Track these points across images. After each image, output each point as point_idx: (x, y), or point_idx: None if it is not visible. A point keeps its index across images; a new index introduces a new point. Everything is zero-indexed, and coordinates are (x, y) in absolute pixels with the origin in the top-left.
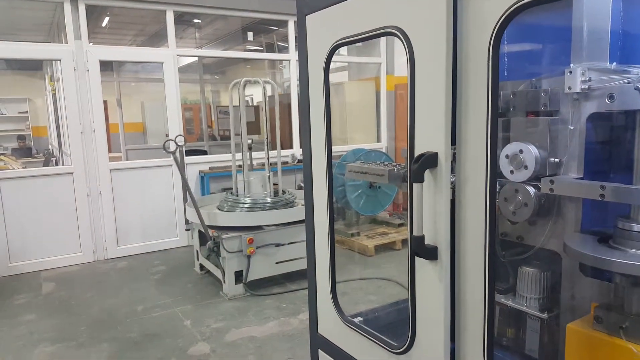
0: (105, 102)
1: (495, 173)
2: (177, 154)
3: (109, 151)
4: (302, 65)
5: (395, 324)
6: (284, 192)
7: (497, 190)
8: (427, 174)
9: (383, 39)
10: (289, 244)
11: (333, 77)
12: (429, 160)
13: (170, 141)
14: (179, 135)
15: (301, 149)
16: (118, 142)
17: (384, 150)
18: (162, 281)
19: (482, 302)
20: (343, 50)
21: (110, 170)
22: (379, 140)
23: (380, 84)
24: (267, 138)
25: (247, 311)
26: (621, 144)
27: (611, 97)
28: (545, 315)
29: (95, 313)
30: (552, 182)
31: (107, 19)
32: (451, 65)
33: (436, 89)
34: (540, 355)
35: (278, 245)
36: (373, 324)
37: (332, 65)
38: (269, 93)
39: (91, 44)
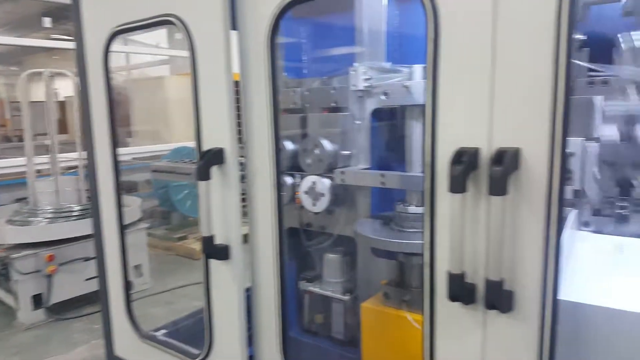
0: None
1: (279, 165)
2: None
3: None
4: (79, 55)
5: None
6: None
7: (298, 183)
8: (215, 170)
9: None
10: None
11: (152, 71)
12: (215, 157)
13: None
14: None
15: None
16: None
17: None
18: None
19: (274, 295)
20: (163, 41)
21: None
22: None
23: None
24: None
25: (50, 339)
26: (399, 136)
27: (385, 93)
28: (346, 297)
29: None
30: (342, 173)
31: None
32: (230, 58)
33: (218, 83)
34: (345, 336)
35: (88, 259)
36: (181, 335)
37: (151, 58)
38: (69, 87)
39: None
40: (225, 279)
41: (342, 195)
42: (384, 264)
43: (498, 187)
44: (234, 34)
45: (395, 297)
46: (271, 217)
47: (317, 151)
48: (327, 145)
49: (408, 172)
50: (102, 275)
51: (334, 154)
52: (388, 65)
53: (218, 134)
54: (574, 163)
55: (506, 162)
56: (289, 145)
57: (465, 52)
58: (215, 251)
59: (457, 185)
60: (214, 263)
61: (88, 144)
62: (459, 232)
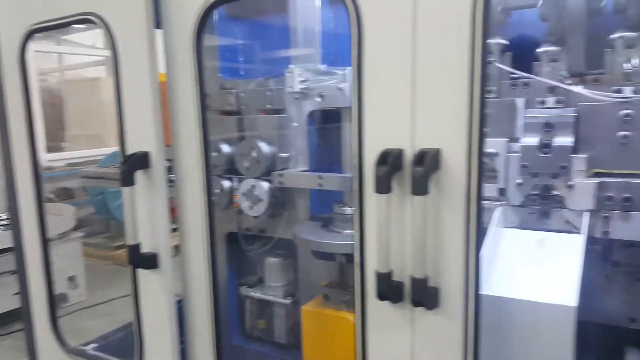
0: None
1: (209, 167)
2: None
3: None
4: None
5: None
6: None
7: (237, 186)
8: (140, 175)
9: None
10: None
11: (88, 72)
12: (140, 161)
13: None
14: None
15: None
16: None
17: None
18: None
19: (207, 304)
20: (99, 42)
21: None
22: None
23: None
24: None
25: None
26: (336, 138)
27: (321, 96)
28: (288, 301)
29: None
30: (281, 175)
31: None
32: (155, 58)
33: (142, 83)
34: (287, 340)
35: (15, 272)
36: (111, 348)
37: (87, 59)
38: None
39: None
40: (154, 289)
41: (281, 198)
42: (324, 265)
43: (419, 186)
44: (158, 33)
45: (335, 298)
46: (202, 223)
47: (254, 154)
48: (265, 147)
49: (345, 173)
50: (23, 289)
51: (272, 157)
52: (323, 67)
53: (143, 137)
54: (498, 163)
55: (427, 162)
56: (225, 148)
57: (387, 54)
58: (142, 260)
59: (382, 186)
60: (142, 272)
61: (5, 150)
62: (385, 231)
